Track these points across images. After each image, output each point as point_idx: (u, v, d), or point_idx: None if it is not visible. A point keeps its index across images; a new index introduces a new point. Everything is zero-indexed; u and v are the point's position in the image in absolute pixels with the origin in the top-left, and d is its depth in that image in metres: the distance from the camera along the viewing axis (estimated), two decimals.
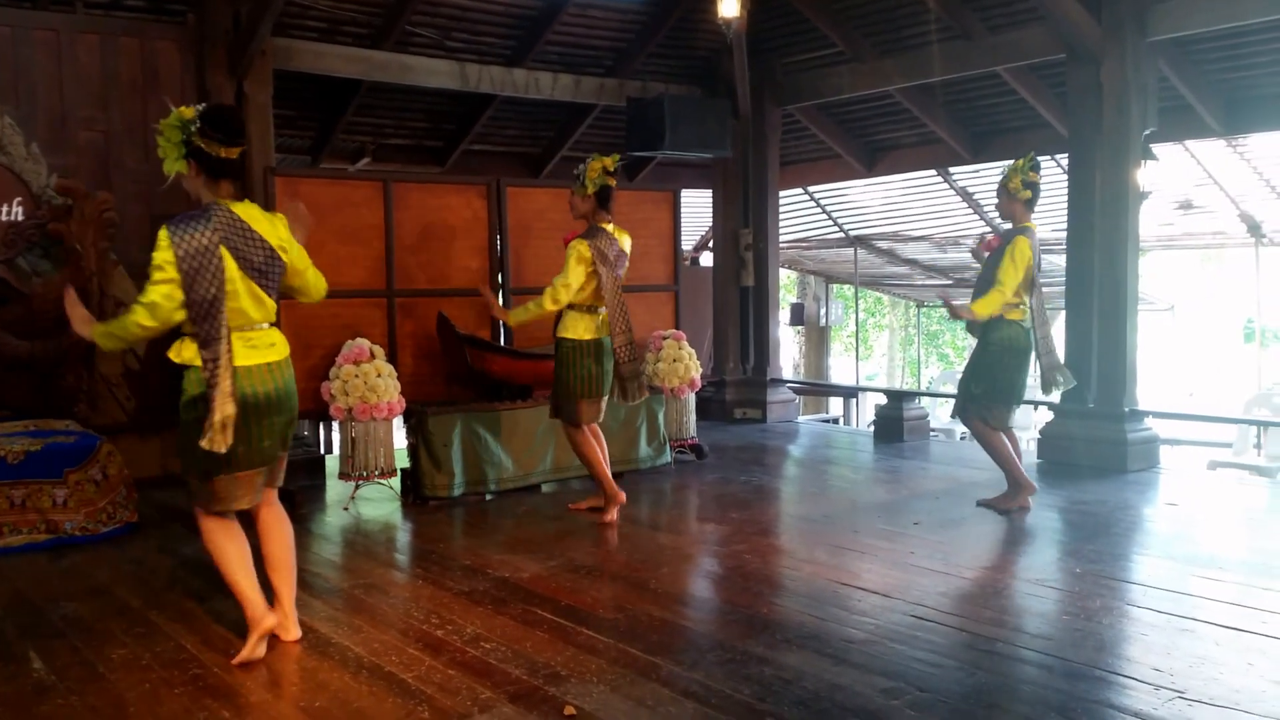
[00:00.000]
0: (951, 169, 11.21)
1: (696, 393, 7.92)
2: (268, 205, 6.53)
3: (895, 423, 8.75)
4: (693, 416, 7.88)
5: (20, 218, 6.36)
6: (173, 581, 4.85)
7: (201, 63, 7.35)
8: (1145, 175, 7.60)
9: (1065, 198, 7.77)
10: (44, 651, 3.90)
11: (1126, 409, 7.30)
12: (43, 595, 4.61)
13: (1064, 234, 7.88)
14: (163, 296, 3.63)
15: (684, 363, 7.67)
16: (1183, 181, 10.54)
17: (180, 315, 3.67)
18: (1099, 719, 3.22)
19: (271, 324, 3.87)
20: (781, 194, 10.90)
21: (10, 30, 6.83)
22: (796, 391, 11.08)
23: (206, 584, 4.78)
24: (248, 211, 3.79)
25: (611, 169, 5.76)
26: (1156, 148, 8.46)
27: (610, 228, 5.83)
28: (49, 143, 6.82)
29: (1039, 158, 6.38)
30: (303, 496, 6.49)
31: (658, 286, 8.09)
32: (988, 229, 12.45)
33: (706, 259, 14.13)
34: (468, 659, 3.76)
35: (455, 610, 4.34)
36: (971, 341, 6.40)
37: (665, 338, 7.76)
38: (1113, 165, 7.27)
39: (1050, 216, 11.48)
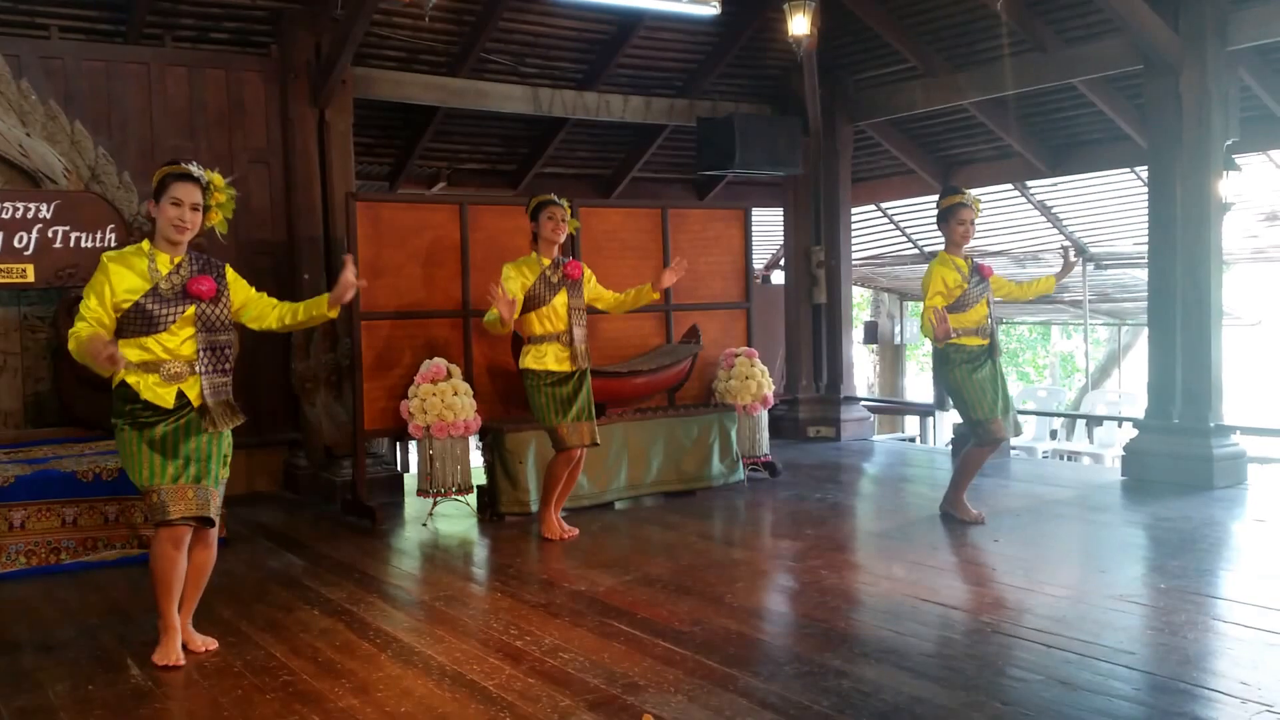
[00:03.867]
0: (1029, 182, 11.07)
1: (769, 410, 7.92)
2: (349, 230, 6.71)
3: None
4: (765, 434, 7.87)
5: (113, 244, 6.60)
6: (261, 593, 4.99)
7: (285, 93, 7.60)
8: (1228, 186, 7.44)
9: (1146, 211, 7.64)
10: (141, 659, 4.04)
11: (1212, 424, 7.13)
12: (139, 606, 4.76)
13: (1145, 248, 7.75)
14: None
15: (756, 380, 7.67)
16: (1269, 192, 10.29)
17: None
18: None
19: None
20: (854, 210, 10.87)
21: (104, 64, 7.13)
22: (871, 410, 10.99)
23: (293, 596, 4.92)
24: None
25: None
26: (1240, 158, 8.29)
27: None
28: (140, 172, 7.05)
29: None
30: (383, 513, 6.62)
31: (729, 304, 8.12)
32: (1067, 242, 12.27)
33: (778, 277, 14.11)
34: (547, 668, 3.82)
35: (533, 622, 4.41)
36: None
37: (737, 355, 7.78)
38: (1194, 177, 7.14)
39: (1131, 230, 11.29)
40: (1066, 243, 6.59)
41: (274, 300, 4.30)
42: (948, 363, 6.06)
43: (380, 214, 6.82)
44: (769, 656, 3.98)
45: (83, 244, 6.50)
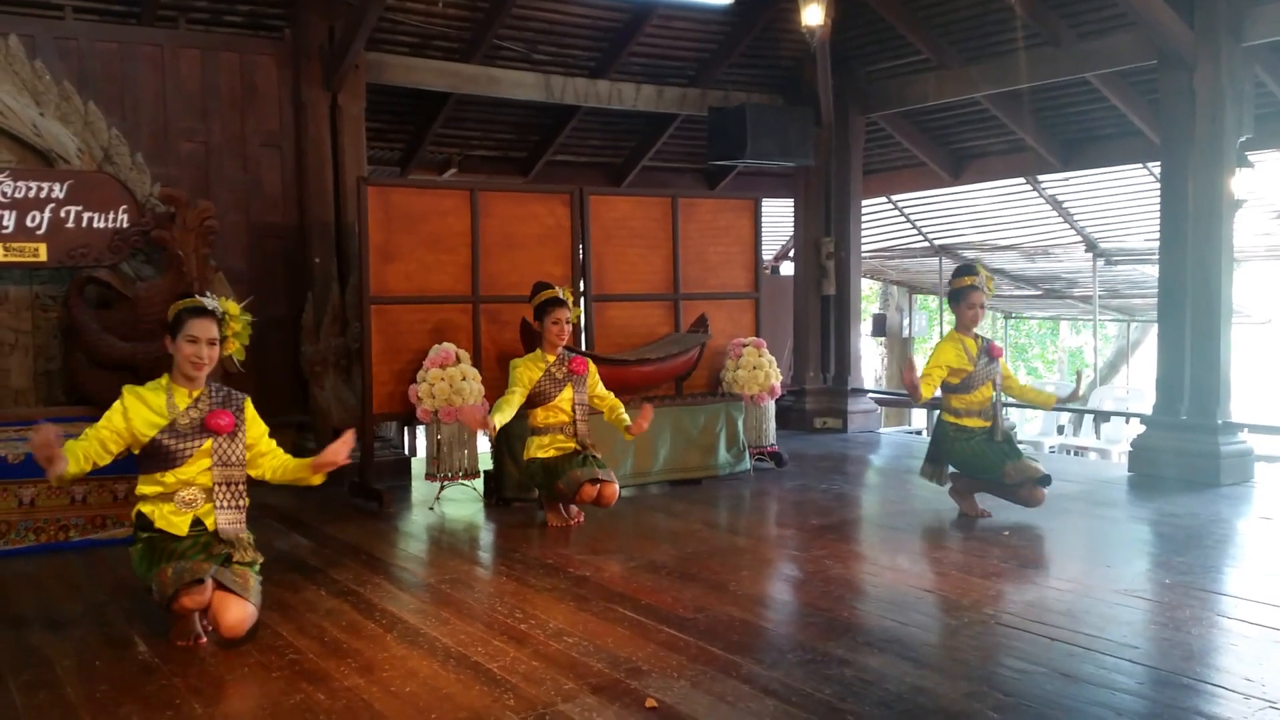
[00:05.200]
0: (1040, 177, 11.04)
1: (776, 401, 7.92)
2: (360, 215, 6.72)
3: None
4: (772, 424, 7.88)
5: (125, 225, 6.61)
6: (268, 574, 4.97)
7: (297, 77, 7.61)
8: (1240, 183, 7.42)
9: (1158, 207, 7.62)
10: (148, 635, 4.08)
11: (1220, 421, 7.12)
12: (146, 584, 4.78)
13: (1156, 244, 7.72)
14: None
15: (764, 370, 7.67)
16: None
17: None
18: None
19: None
20: (864, 203, 10.86)
21: (117, 46, 7.14)
22: (878, 402, 10.99)
23: (300, 577, 4.95)
24: None
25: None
26: (1253, 155, 8.26)
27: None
28: (152, 153, 7.09)
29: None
30: (390, 496, 6.65)
31: (738, 294, 8.12)
32: (1078, 238, 12.25)
33: (787, 268, 14.11)
34: (551, 652, 3.84)
35: (538, 606, 4.43)
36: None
37: (745, 345, 7.78)
38: (1206, 173, 7.11)
39: (1142, 226, 11.26)
40: (1087, 371, 6.75)
41: (276, 450, 4.31)
42: (948, 439, 6.18)
43: (391, 199, 6.84)
44: (772, 644, 4.00)
45: (95, 224, 6.52)
